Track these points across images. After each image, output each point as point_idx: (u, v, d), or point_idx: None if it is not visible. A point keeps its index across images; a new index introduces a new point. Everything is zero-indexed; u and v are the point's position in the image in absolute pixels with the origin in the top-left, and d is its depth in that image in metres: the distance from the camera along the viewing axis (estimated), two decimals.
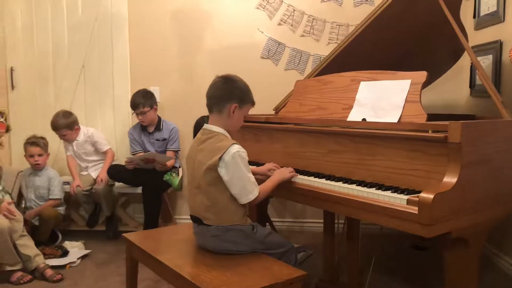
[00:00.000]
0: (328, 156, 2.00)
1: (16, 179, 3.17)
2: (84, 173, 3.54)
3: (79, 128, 3.47)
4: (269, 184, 1.92)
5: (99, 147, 3.50)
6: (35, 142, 3.20)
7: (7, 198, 2.81)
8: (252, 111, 2.02)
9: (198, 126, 3.27)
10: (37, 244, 2.84)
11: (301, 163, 2.13)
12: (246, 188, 1.79)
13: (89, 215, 3.61)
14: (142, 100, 3.30)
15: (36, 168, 3.23)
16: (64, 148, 3.55)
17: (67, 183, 3.52)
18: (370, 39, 2.34)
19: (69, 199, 3.55)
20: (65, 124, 3.36)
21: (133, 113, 3.36)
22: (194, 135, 3.27)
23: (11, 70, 3.77)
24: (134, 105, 3.30)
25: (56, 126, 3.36)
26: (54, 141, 3.74)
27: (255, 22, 3.59)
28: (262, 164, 2.26)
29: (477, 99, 3.20)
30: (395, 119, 1.83)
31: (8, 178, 3.05)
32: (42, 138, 3.26)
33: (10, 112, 3.77)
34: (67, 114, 3.41)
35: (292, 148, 2.20)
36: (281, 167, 2.11)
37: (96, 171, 3.49)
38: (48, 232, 3.16)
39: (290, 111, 2.42)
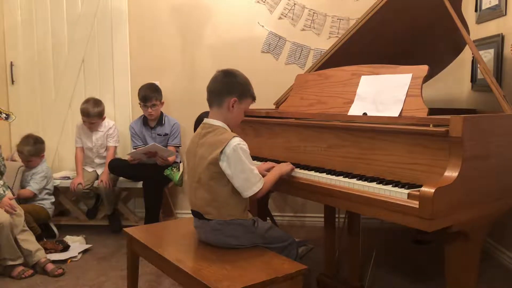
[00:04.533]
0: (329, 151, 2.00)
1: (16, 174, 3.17)
2: (90, 169, 3.54)
3: (105, 117, 3.51)
4: (270, 177, 1.91)
5: (109, 139, 3.51)
6: (21, 151, 3.23)
7: (8, 193, 2.81)
8: (253, 106, 2.01)
9: (199, 122, 3.26)
10: (37, 238, 2.84)
11: (302, 158, 2.13)
12: (250, 180, 1.78)
13: (89, 208, 3.62)
14: (154, 93, 3.31)
15: (27, 166, 3.28)
16: (76, 138, 3.54)
17: (68, 177, 3.52)
18: (371, 33, 2.33)
19: (66, 193, 3.55)
20: (97, 113, 3.39)
21: (142, 105, 3.34)
22: (195, 130, 3.27)
23: (11, 65, 3.76)
24: (146, 97, 3.29)
25: (88, 114, 3.37)
26: (54, 137, 3.75)
27: (255, 16, 3.58)
28: (262, 159, 2.26)
29: (478, 93, 3.19)
30: (396, 113, 1.82)
31: (9, 173, 3.05)
32: (34, 143, 3.24)
33: (10, 107, 3.76)
34: (98, 102, 3.44)
35: (293, 142, 2.20)
36: (281, 162, 2.10)
37: (103, 168, 3.49)
38: (32, 226, 2.98)
39: (290, 105, 2.42)
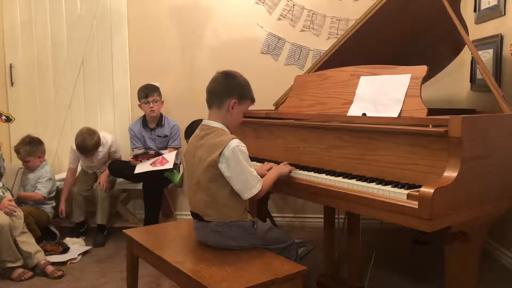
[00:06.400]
0: (328, 151, 2.00)
1: (16, 176, 3.17)
2: (90, 171, 3.52)
3: (102, 142, 3.33)
4: (268, 179, 1.91)
5: (113, 156, 3.46)
6: (17, 151, 3.21)
7: (8, 195, 2.81)
8: (252, 107, 2.01)
9: (189, 130, 3.27)
10: (37, 240, 2.83)
11: (301, 159, 2.13)
12: (249, 182, 1.78)
13: (76, 223, 3.45)
14: (156, 90, 3.34)
15: (26, 167, 3.26)
16: (71, 158, 3.40)
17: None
18: (370, 33, 2.33)
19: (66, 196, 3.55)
20: (93, 145, 3.21)
21: (143, 103, 3.31)
22: (186, 137, 3.26)
23: (10, 66, 3.76)
24: (148, 93, 3.31)
25: (85, 149, 3.20)
26: (53, 138, 3.75)
27: (254, 17, 3.58)
28: (262, 160, 2.26)
29: (477, 94, 3.19)
30: (395, 114, 1.82)
31: (8, 175, 3.05)
32: (29, 142, 3.21)
33: (10, 109, 3.76)
34: (91, 132, 3.23)
35: (292, 143, 2.20)
36: (281, 163, 2.10)
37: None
38: (32, 228, 2.97)
39: (290, 106, 2.42)
